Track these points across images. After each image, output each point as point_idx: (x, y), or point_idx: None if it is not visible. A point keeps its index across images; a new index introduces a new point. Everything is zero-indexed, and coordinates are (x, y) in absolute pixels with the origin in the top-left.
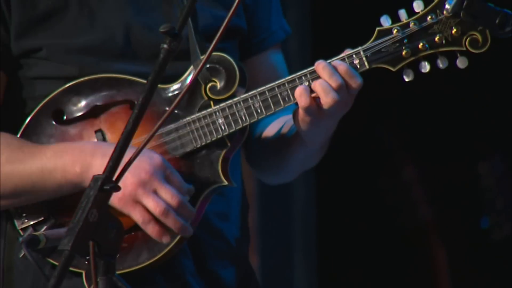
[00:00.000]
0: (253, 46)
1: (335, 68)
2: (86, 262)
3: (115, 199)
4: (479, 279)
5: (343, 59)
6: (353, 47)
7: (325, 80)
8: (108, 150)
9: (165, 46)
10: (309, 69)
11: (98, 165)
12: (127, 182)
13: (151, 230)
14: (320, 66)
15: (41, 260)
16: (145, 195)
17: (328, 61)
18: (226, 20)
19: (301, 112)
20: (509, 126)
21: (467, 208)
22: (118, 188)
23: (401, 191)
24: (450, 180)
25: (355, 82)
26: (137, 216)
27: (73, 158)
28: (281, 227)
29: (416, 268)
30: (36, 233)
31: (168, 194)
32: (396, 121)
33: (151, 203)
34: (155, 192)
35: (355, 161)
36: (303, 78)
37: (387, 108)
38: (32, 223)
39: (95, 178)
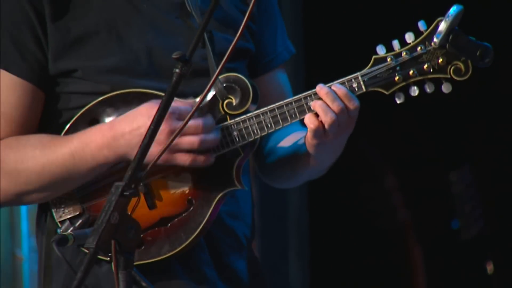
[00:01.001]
0: (261, 66)
1: (335, 92)
2: (109, 259)
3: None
4: (450, 273)
5: (343, 83)
6: (345, 70)
7: (325, 103)
8: (123, 128)
9: (177, 70)
10: (313, 90)
11: (123, 145)
12: (156, 144)
13: (199, 160)
14: (323, 91)
15: (71, 258)
16: (172, 158)
17: (329, 84)
18: (233, 43)
19: (309, 135)
20: (476, 143)
21: (440, 211)
22: (136, 194)
23: (382, 197)
24: (426, 187)
25: (353, 104)
26: (182, 159)
27: (98, 143)
28: (278, 228)
29: (396, 263)
30: (65, 233)
31: (192, 126)
32: (378, 136)
33: (180, 161)
34: (183, 133)
35: (342, 171)
36: (308, 98)
37: (369, 125)
38: (69, 217)
39: (116, 186)
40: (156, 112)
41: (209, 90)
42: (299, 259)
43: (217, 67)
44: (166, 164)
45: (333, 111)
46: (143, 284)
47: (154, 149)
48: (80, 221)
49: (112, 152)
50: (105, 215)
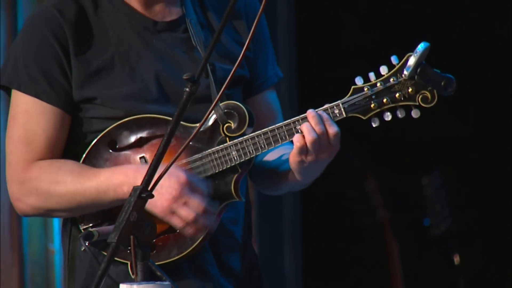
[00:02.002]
0: (254, 88)
1: (320, 117)
2: (128, 251)
3: (158, 211)
4: (422, 265)
5: (326, 109)
6: (331, 95)
7: (310, 124)
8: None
9: (187, 89)
10: (300, 116)
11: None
12: (164, 198)
13: (186, 231)
14: (310, 115)
15: (96, 251)
16: (178, 208)
17: (316, 110)
18: (230, 75)
19: (294, 151)
20: (445, 151)
21: (414, 211)
22: (152, 196)
23: (364, 198)
24: (401, 190)
25: (333, 129)
26: (175, 222)
27: (121, 180)
28: (274, 226)
29: (376, 255)
30: (91, 230)
31: (195, 204)
32: (361, 147)
33: (184, 214)
34: (185, 204)
35: (330, 176)
36: (296, 122)
37: (353, 139)
38: (91, 224)
39: (135, 188)
40: (170, 129)
41: (210, 114)
42: (292, 252)
43: (217, 93)
44: (163, 219)
45: (316, 132)
46: (158, 273)
47: (160, 202)
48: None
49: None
50: (125, 214)
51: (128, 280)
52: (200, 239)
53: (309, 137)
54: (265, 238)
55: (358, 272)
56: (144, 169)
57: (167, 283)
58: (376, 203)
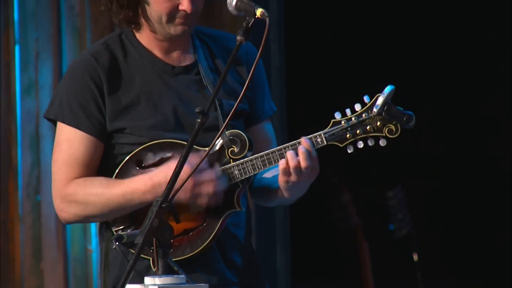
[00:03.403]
0: (253, 119)
1: (305, 148)
2: (151, 250)
3: (186, 201)
4: (387, 262)
5: (310, 138)
6: (317, 127)
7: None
8: (160, 180)
9: (198, 120)
10: (290, 143)
11: (159, 192)
12: (183, 192)
13: (211, 202)
14: (304, 140)
15: (125, 249)
16: (197, 192)
17: (293, 142)
18: (233, 109)
19: (280, 173)
20: (405, 170)
21: (381, 218)
22: (171, 206)
23: (341, 208)
24: (371, 200)
25: (313, 159)
26: (200, 202)
27: (143, 189)
28: (268, 229)
29: (351, 254)
30: (121, 233)
31: (207, 181)
32: (338, 166)
33: (204, 192)
34: (201, 185)
35: (314, 190)
36: (286, 148)
37: (333, 159)
38: (121, 227)
39: (156, 200)
40: (185, 151)
41: (217, 140)
42: (283, 250)
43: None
44: (189, 203)
45: (298, 159)
46: (175, 268)
47: (181, 194)
48: (128, 230)
49: (153, 196)
50: (149, 220)
51: (149, 273)
52: (208, 240)
53: (291, 163)
54: (261, 239)
55: (336, 266)
56: (156, 177)
57: (182, 276)
58: (350, 211)
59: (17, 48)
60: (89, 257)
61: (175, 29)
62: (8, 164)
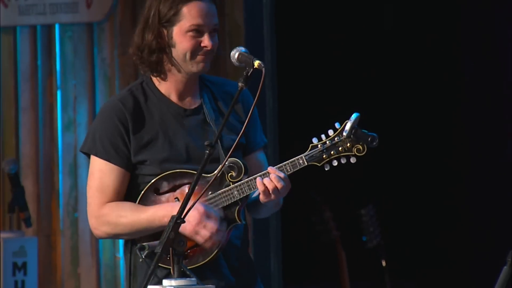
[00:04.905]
0: (248, 149)
1: (278, 175)
2: (168, 258)
3: (187, 232)
4: (361, 267)
5: (293, 161)
6: (298, 152)
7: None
8: (177, 209)
9: (207, 151)
10: (262, 172)
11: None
12: (190, 224)
13: (206, 245)
14: (270, 168)
15: (149, 261)
16: (200, 230)
17: (281, 164)
18: (234, 144)
19: (261, 195)
20: (375, 191)
21: (356, 231)
22: (183, 222)
23: (323, 222)
24: (347, 217)
25: (285, 182)
26: (198, 239)
27: (163, 214)
28: (263, 239)
29: (330, 261)
30: (144, 244)
31: (211, 227)
32: (321, 187)
33: (203, 233)
34: (204, 227)
35: (300, 207)
36: (267, 173)
37: (315, 180)
38: (143, 242)
39: (172, 217)
40: (195, 179)
41: (221, 170)
42: (276, 257)
43: (225, 156)
44: (190, 237)
45: (273, 183)
46: (187, 273)
47: (188, 226)
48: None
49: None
50: (166, 233)
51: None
52: (216, 251)
53: (269, 187)
54: (258, 247)
55: (319, 271)
56: (177, 206)
57: (193, 279)
58: (331, 226)
59: (59, 93)
60: (117, 263)
61: (197, 66)
62: (51, 187)
